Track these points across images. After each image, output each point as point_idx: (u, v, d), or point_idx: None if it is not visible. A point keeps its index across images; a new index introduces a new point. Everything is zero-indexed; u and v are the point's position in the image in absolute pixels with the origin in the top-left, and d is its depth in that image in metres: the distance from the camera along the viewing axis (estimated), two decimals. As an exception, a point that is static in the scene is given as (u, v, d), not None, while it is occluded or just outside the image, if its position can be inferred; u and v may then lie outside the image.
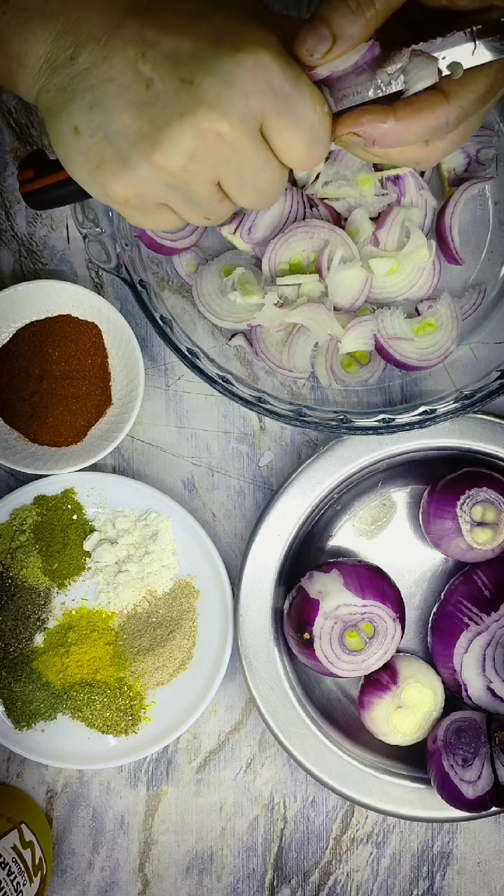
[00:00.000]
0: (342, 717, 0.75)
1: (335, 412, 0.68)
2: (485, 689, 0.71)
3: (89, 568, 0.76)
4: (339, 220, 0.71)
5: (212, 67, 0.45)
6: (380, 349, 0.71)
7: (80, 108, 0.47)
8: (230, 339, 0.72)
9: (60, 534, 0.75)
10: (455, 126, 0.49)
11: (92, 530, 0.76)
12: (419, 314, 0.72)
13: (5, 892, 0.68)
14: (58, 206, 0.56)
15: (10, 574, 0.75)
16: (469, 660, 0.71)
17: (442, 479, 0.72)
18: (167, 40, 0.45)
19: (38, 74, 0.48)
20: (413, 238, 0.69)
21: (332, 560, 0.73)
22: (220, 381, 0.66)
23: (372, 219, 0.70)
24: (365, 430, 0.66)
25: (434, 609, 0.74)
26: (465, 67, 0.48)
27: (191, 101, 0.45)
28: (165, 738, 0.74)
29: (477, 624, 0.70)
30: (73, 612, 0.76)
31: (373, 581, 0.70)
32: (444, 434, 0.72)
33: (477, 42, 0.47)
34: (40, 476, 0.75)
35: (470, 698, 0.71)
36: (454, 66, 0.47)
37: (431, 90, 0.48)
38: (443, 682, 0.72)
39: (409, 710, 0.70)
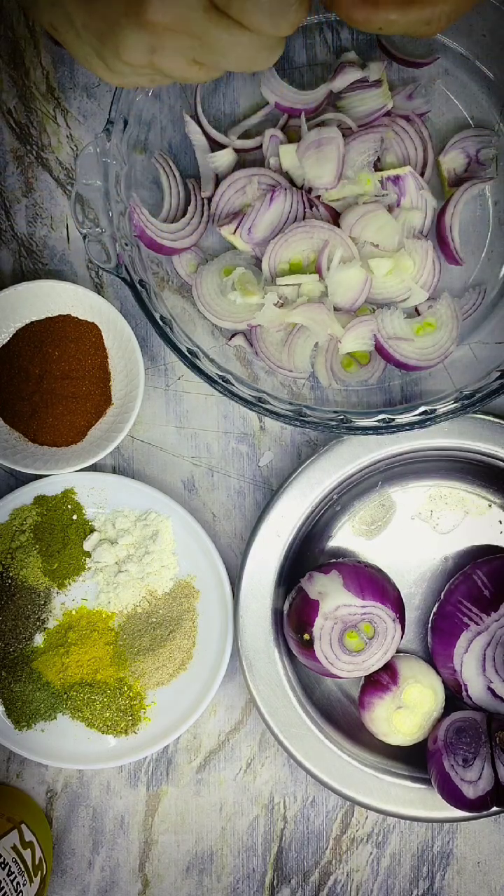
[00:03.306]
0: (342, 717, 0.75)
1: (335, 412, 0.68)
2: (485, 689, 0.71)
3: (89, 568, 0.76)
4: (338, 219, 0.71)
5: None
6: (380, 349, 0.71)
7: (44, 6, 0.47)
8: (230, 339, 0.72)
9: (60, 534, 0.75)
10: None
11: (92, 530, 0.76)
12: (419, 314, 0.72)
13: (5, 892, 0.68)
14: None
15: (10, 574, 0.75)
16: (469, 660, 0.71)
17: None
18: None
19: None
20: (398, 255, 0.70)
21: (331, 560, 0.73)
22: (220, 381, 0.66)
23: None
24: (365, 430, 0.66)
25: (434, 609, 0.74)
26: None
27: (130, 1, 0.44)
28: (165, 738, 0.74)
29: (477, 624, 0.70)
30: (73, 612, 0.76)
31: (373, 581, 0.70)
32: (444, 434, 0.72)
33: None
34: (40, 476, 0.75)
35: (470, 698, 0.71)
36: None
37: None
38: (443, 682, 0.72)
39: (409, 711, 0.70)
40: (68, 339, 0.73)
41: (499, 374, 0.67)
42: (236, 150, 0.72)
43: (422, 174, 0.71)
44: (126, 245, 0.65)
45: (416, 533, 0.75)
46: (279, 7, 0.44)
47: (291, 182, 0.71)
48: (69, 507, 0.75)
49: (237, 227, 0.70)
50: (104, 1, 0.45)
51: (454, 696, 0.72)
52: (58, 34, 0.48)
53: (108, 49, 0.47)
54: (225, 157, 0.71)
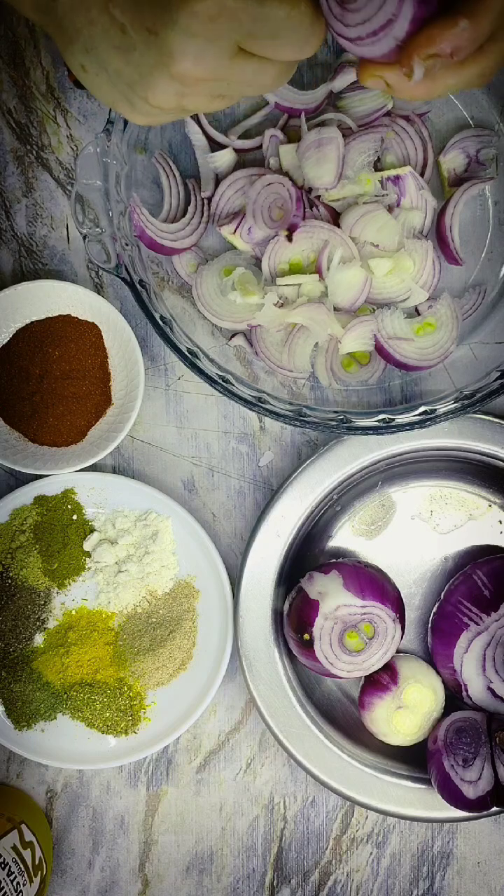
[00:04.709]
0: (342, 717, 0.75)
1: (335, 412, 0.68)
2: (485, 689, 0.71)
3: (89, 568, 0.76)
4: (338, 219, 0.71)
5: (169, 19, 0.44)
6: (380, 349, 0.71)
7: (79, 50, 0.48)
8: (230, 339, 0.72)
9: (60, 534, 0.75)
10: None
11: (92, 530, 0.76)
12: (419, 314, 0.72)
13: (5, 892, 0.68)
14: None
15: (10, 574, 0.75)
16: (469, 660, 0.71)
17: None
18: None
19: (35, 12, 0.50)
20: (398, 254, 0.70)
21: (331, 560, 0.73)
22: (220, 381, 0.66)
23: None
24: (365, 430, 0.66)
25: (434, 609, 0.74)
26: None
27: (160, 52, 0.46)
28: (165, 738, 0.74)
29: (477, 624, 0.70)
30: (73, 612, 0.76)
31: (373, 581, 0.70)
32: (444, 434, 0.72)
33: None
34: (40, 476, 0.75)
35: (470, 698, 0.71)
36: None
37: None
38: (443, 682, 0.72)
39: (409, 711, 0.70)
40: (68, 339, 0.73)
41: (499, 374, 0.67)
42: (236, 150, 0.72)
43: (422, 174, 0.71)
44: (126, 245, 0.65)
45: (416, 533, 0.75)
46: (305, 39, 0.46)
47: (291, 182, 0.71)
48: (69, 507, 0.75)
49: (237, 227, 0.70)
50: (138, 50, 0.46)
51: (454, 696, 0.72)
52: (87, 76, 0.50)
53: (138, 94, 0.48)
54: (225, 157, 0.71)
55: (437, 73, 0.47)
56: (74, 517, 0.75)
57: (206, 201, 0.72)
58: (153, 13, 0.45)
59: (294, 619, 0.70)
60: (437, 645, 0.73)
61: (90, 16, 0.47)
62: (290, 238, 0.68)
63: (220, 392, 0.66)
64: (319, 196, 0.70)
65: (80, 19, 0.47)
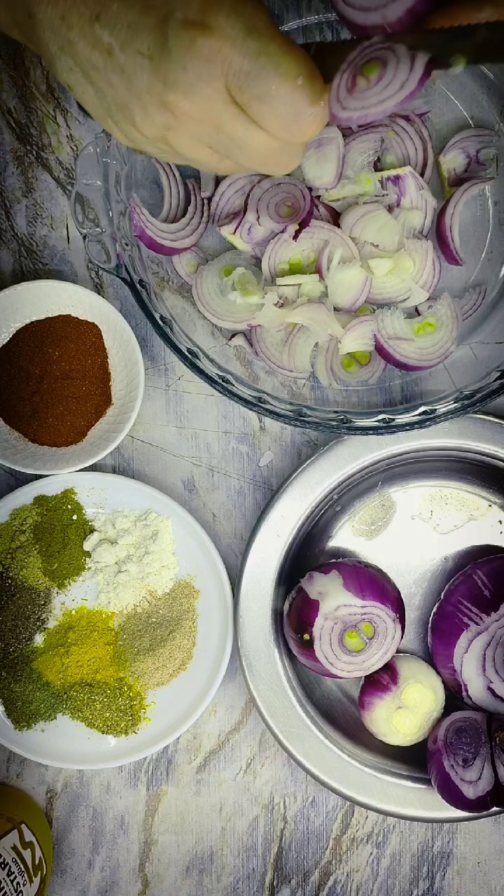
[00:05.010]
0: (342, 717, 0.75)
1: (335, 412, 0.68)
2: (485, 689, 0.71)
3: (89, 568, 0.76)
4: (338, 219, 0.71)
5: (166, 48, 0.43)
6: (380, 349, 0.71)
7: (63, 68, 0.47)
8: (230, 339, 0.72)
9: (60, 534, 0.75)
10: None
11: (92, 530, 0.76)
12: (419, 314, 0.72)
13: (5, 892, 0.68)
14: None
15: (10, 574, 0.75)
16: (469, 660, 0.71)
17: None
18: (116, 3, 0.44)
19: (15, 32, 0.49)
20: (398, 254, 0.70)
21: (331, 561, 0.73)
22: (220, 381, 0.66)
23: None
24: (365, 430, 0.66)
25: (434, 609, 0.74)
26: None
27: (152, 78, 0.44)
28: (165, 738, 0.74)
29: (477, 624, 0.70)
30: (73, 612, 0.76)
31: (373, 581, 0.70)
32: (444, 434, 0.72)
33: None
34: (40, 476, 0.75)
35: (470, 698, 0.71)
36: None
37: None
38: (443, 682, 0.72)
39: (409, 711, 0.70)
40: (68, 339, 0.73)
41: (499, 374, 0.67)
42: (236, 150, 0.72)
43: (422, 174, 0.71)
44: (126, 245, 0.65)
45: (416, 533, 0.75)
46: (293, 115, 0.45)
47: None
48: (69, 507, 0.75)
49: (237, 227, 0.70)
50: (126, 73, 0.45)
51: (454, 696, 0.72)
52: (74, 93, 0.49)
53: (125, 116, 0.47)
54: (225, 157, 0.71)
55: None
56: (74, 517, 0.75)
57: (206, 201, 0.72)
58: (149, 37, 0.44)
59: (294, 619, 0.70)
60: (437, 645, 0.73)
61: (70, 35, 0.45)
62: (298, 234, 0.68)
63: (220, 392, 0.66)
64: (319, 196, 0.70)
65: (61, 35, 0.46)
